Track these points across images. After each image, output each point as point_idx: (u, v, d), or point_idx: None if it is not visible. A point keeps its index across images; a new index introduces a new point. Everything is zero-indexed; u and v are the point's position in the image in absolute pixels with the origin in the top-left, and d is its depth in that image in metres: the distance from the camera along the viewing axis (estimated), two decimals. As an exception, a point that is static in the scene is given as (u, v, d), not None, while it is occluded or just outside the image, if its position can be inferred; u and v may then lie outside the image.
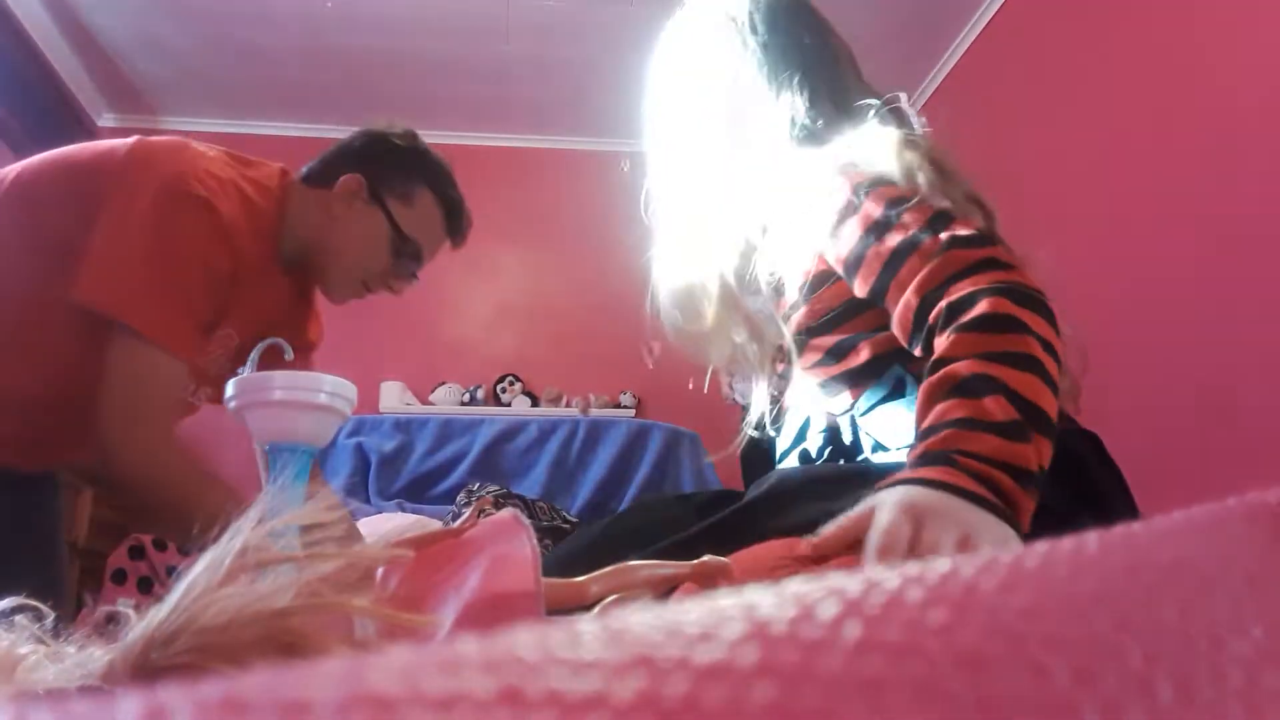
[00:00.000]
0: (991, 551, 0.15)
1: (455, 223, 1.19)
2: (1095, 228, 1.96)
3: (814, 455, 0.79)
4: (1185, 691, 0.13)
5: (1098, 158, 1.98)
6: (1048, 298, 0.63)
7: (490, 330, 3.07)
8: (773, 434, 0.85)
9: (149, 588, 1.95)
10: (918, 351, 0.68)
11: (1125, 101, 1.90)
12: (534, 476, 2.36)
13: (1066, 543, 0.16)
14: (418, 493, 2.34)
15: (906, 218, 0.68)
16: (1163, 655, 0.13)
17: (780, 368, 0.83)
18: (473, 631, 0.13)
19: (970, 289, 0.62)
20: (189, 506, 0.90)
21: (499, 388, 2.97)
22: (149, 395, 0.95)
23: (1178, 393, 1.66)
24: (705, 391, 1.03)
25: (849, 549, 0.56)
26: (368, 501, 2.27)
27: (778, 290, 0.81)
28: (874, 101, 0.78)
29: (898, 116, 0.77)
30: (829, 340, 0.78)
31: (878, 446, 0.75)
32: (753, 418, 0.82)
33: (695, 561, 0.48)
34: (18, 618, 0.31)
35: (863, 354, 0.75)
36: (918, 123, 0.77)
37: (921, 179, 0.70)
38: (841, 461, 0.77)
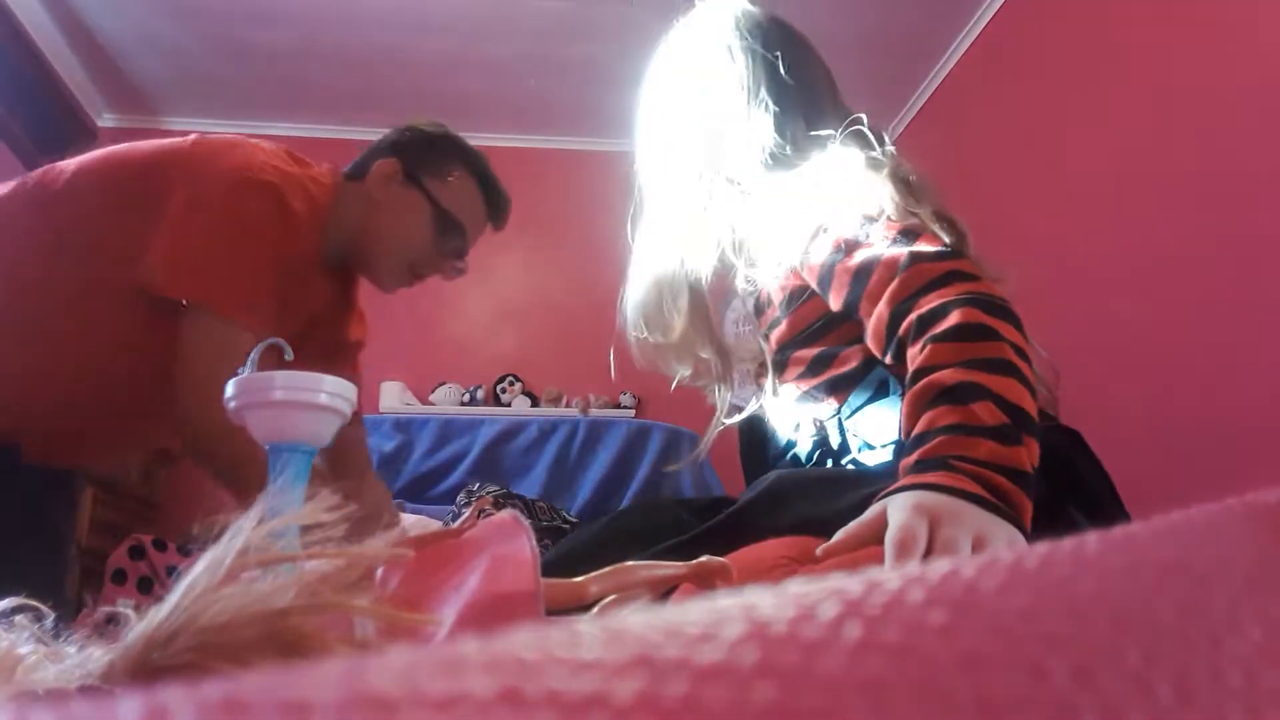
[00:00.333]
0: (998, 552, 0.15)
1: (494, 201, 1.20)
2: (1095, 227, 1.96)
3: (804, 458, 0.81)
4: (1184, 692, 0.13)
5: (1093, 162, 1.98)
6: (1011, 305, 0.65)
7: (490, 330, 3.07)
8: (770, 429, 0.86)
9: (149, 588, 1.95)
10: (889, 361, 0.70)
11: (1123, 102, 1.90)
12: (534, 477, 2.36)
13: (1066, 543, 0.16)
14: (418, 493, 2.34)
15: (873, 234, 0.71)
16: (1162, 655, 0.13)
17: (763, 381, 0.85)
18: (472, 631, 0.13)
19: (939, 301, 0.65)
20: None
21: (499, 388, 2.97)
22: (226, 366, 0.96)
23: (1178, 392, 1.66)
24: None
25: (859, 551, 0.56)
26: (367, 501, 2.27)
27: (758, 307, 0.84)
28: (847, 124, 0.79)
29: (864, 138, 0.79)
30: (810, 352, 0.80)
31: (865, 446, 0.77)
32: (713, 429, 0.85)
33: (694, 562, 0.48)
34: (18, 617, 0.31)
35: (848, 362, 0.78)
36: (881, 144, 0.78)
37: (888, 198, 0.72)
38: (830, 463, 0.78)
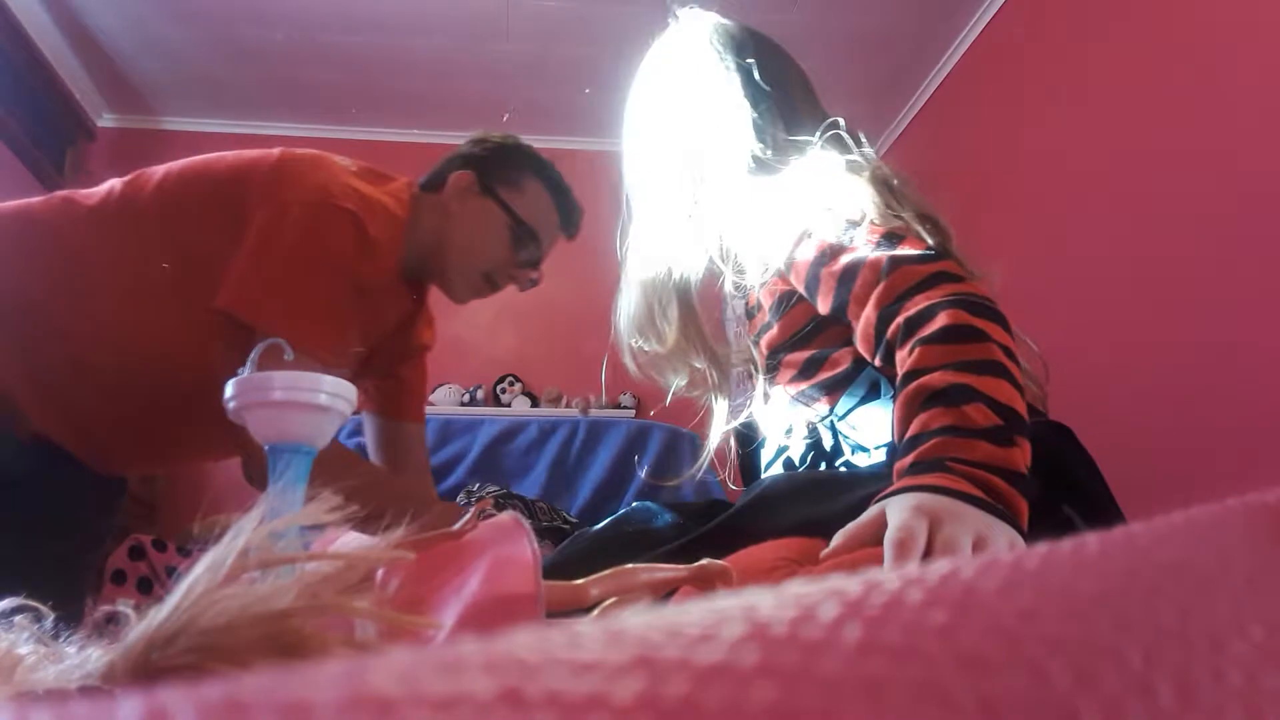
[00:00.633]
0: (998, 552, 0.15)
1: (567, 210, 1.21)
2: (1095, 226, 1.96)
3: (797, 461, 0.81)
4: (1185, 693, 0.13)
5: (1092, 161, 1.98)
6: (997, 305, 0.66)
7: (490, 330, 3.07)
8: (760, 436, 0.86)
9: (149, 588, 1.95)
10: (879, 363, 0.70)
11: (1123, 102, 1.90)
12: (534, 477, 2.36)
13: (1066, 544, 0.16)
14: (418, 493, 2.34)
15: (857, 238, 0.72)
16: (1162, 656, 0.13)
17: (755, 384, 0.86)
18: (473, 633, 0.13)
19: (926, 303, 0.65)
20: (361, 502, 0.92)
21: (499, 388, 2.97)
22: None
23: (1178, 393, 1.66)
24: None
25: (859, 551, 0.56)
26: (367, 502, 2.27)
27: (749, 312, 0.84)
28: (826, 127, 0.80)
29: (844, 141, 0.79)
30: (802, 355, 0.81)
31: (858, 448, 0.78)
32: (713, 439, 0.85)
33: (694, 565, 0.48)
34: (17, 618, 0.31)
35: (839, 364, 0.78)
36: (859, 146, 0.78)
37: (869, 201, 0.73)
38: (824, 465, 0.79)
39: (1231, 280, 1.55)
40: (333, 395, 0.59)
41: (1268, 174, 1.49)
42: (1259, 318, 1.49)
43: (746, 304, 0.88)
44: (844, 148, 0.78)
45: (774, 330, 0.83)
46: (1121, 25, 1.93)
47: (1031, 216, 2.19)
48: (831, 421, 0.79)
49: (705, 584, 0.48)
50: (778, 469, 0.84)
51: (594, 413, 2.80)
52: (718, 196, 0.83)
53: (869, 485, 0.62)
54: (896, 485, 0.57)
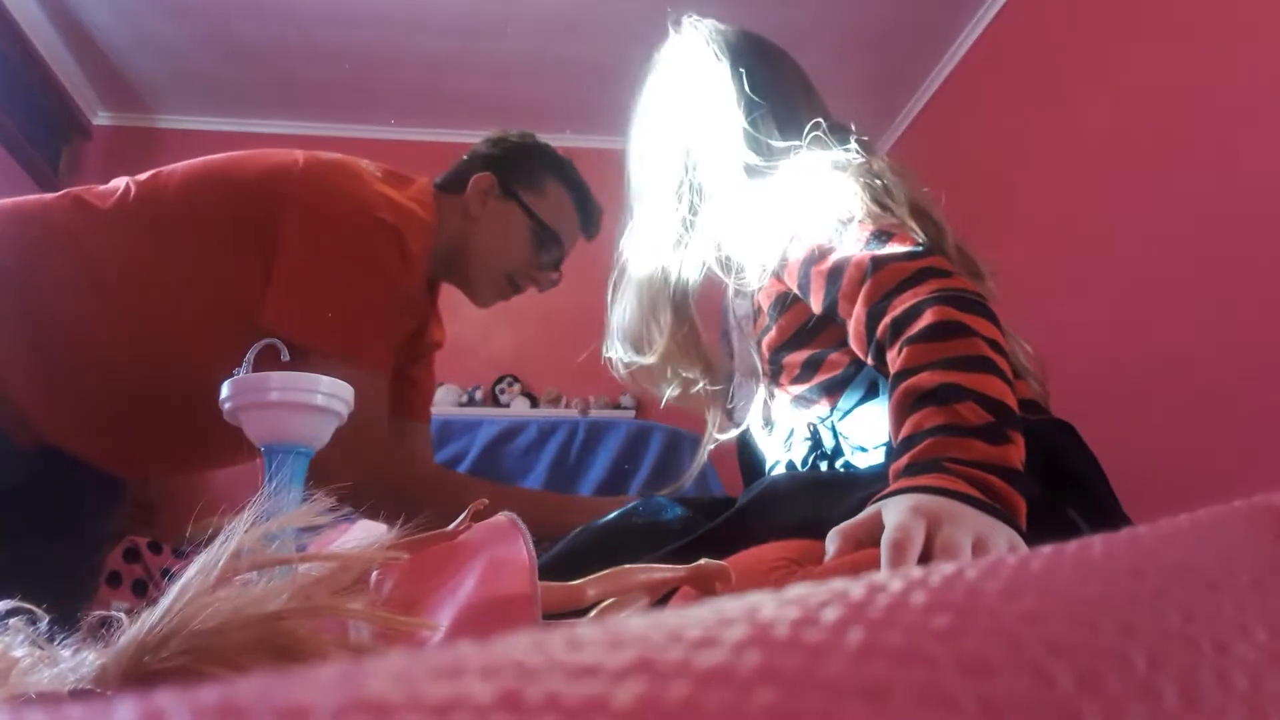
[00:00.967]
0: (1001, 553, 0.15)
1: (587, 210, 1.21)
2: (1098, 224, 1.96)
3: (800, 463, 0.81)
4: (1189, 695, 0.13)
5: (1100, 157, 1.99)
6: (986, 299, 0.66)
7: (488, 331, 3.07)
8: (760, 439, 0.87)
9: (144, 591, 1.94)
10: (872, 362, 0.71)
11: (1129, 96, 1.91)
12: (533, 478, 2.35)
13: (1070, 546, 0.16)
14: (415, 494, 2.33)
15: (846, 237, 0.72)
16: (1167, 659, 0.13)
17: (757, 387, 0.86)
18: (469, 635, 0.13)
19: (913, 300, 0.65)
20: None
21: (497, 388, 2.96)
22: (366, 417, 0.96)
23: (1177, 394, 1.66)
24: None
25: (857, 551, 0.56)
26: (364, 503, 2.26)
27: (752, 314, 0.85)
28: (810, 129, 0.81)
29: (837, 140, 0.80)
30: (801, 356, 0.81)
31: (857, 448, 0.78)
32: (704, 450, 0.86)
33: (692, 565, 0.48)
34: (12, 620, 0.31)
35: (838, 364, 0.79)
36: (856, 142, 0.79)
37: (856, 199, 0.73)
38: (825, 466, 0.79)
39: (1234, 279, 1.55)
40: (329, 396, 0.59)
41: (1271, 172, 1.49)
42: (1260, 317, 1.49)
43: (749, 306, 0.89)
44: (832, 146, 0.78)
45: (773, 332, 0.83)
46: (1128, 19, 1.93)
47: (1037, 211, 2.19)
48: (832, 422, 0.79)
49: (703, 584, 0.48)
50: (780, 470, 0.84)
51: (594, 413, 2.80)
52: (714, 206, 0.84)
53: (871, 485, 0.62)
54: (893, 487, 0.57)
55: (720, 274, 0.84)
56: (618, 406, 2.93)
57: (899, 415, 0.61)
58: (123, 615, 0.28)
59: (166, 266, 0.99)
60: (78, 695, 0.25)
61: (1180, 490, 1.43)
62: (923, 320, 0.63)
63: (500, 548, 0.42)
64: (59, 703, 0.24)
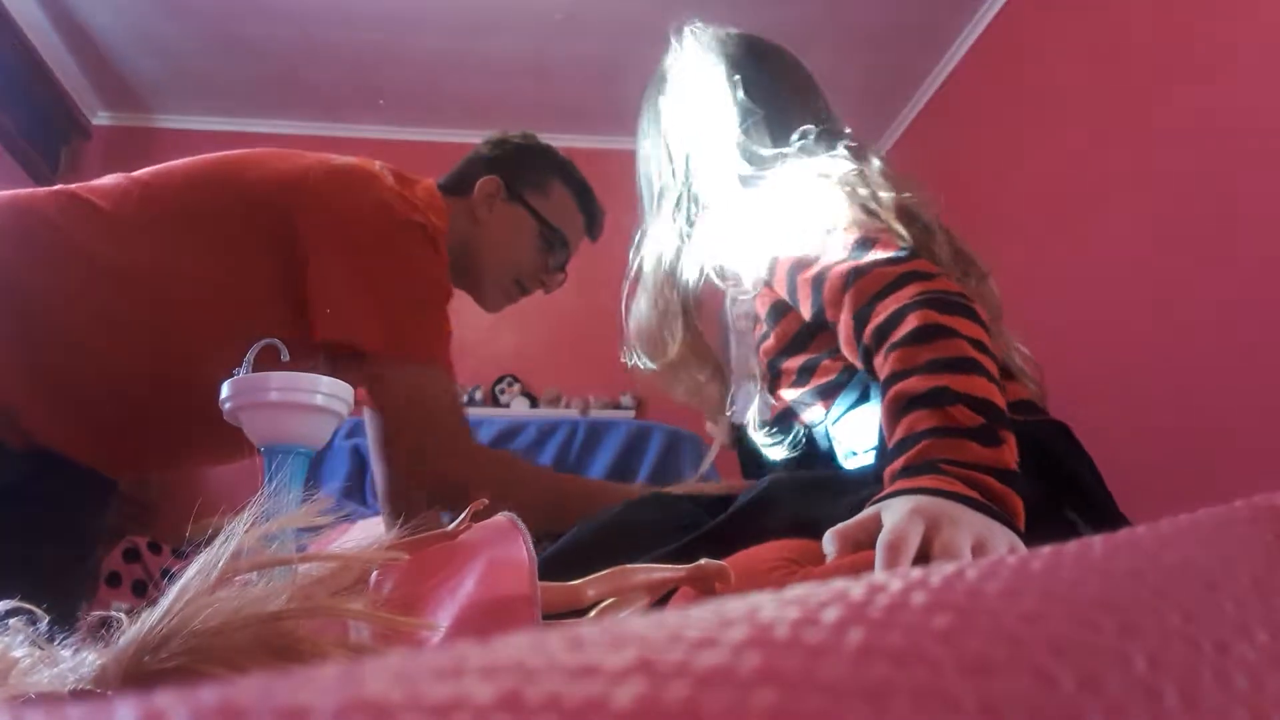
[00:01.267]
0: (1000, 554, 0.15)
1: (591, 211, 1.21)
2: (1097, 225, 1.96)
3: (795, 466, 0.82)
4: (1190, 696, 0.13)
5: (1099, 159, 1.99)
6: (970, 299, 0.67)
7: (488, 330, 3.07)
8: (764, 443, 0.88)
9: (144, 591, 1.94)
10: (862, 367, 0.71)
11: (1129, 99, 1.91)
12: (531, 478, 2.35)
13: (1070, 546, 0.16)
14: (414, 494, 2.33)
15: (831, 243, 0.73)
16: (1167, 660, 0.13)
17: (760, 389, 0.87)
18: (468, 635, 0.13)
19: (896, 305, 0.66)
20: (544, 499, 0.94)
21: (497, 389, 2.96)
22: (450, 411, 0.98)
23: (1176, 394, 1.66)
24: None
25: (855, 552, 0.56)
26: (365, 504, 2.26)
27: (751, 320, 0.86)
28: (798, 136, 0.82)
29: (824, 146, 0.80)
30: (797, 361, 0.82)
31: (849, 453, 0.79)
32: (713, 451, 0.87)
33: (692, 565, 0.48)
34: (12, 621, 0.31)
35: (831, 370, 0.80)
36: (846, 146, 0.79)
37: (839, 206, 0.74)
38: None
39: (1234, 279, 1.55)
40: (329, 396, 0.59)
41: (1269, 173, 1.50)
42: (1259, 317, 1.49)
43: (750, 315, 0.90)
44: (820, 153, 0.79)
45: (770, 339, 0.85)
46: (1127, 23, 1.93)
47: (1036, 210, 2.19)
48: (825, 426, 0.80)
49: (703, 584, 0.48)
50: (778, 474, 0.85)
51: (594, 413, 2.80)
52: (710, 215, 0.85)
53: (872, 486, 0.62)
54: (891, 489, 0.57)
55: (718, 282, 0.85)
56: (617, 406, 2.93)
57: (891, 419, 0.62)
58: (122, 615, 0.28)
59: (167, 266, 0.98)
60: (78, 695, 0.25)
61: (1178, 490, 1.43)
62: (906, 325, 0.64)
63: (500, 548, 0.42)
64: (59, 703, 0.24)
